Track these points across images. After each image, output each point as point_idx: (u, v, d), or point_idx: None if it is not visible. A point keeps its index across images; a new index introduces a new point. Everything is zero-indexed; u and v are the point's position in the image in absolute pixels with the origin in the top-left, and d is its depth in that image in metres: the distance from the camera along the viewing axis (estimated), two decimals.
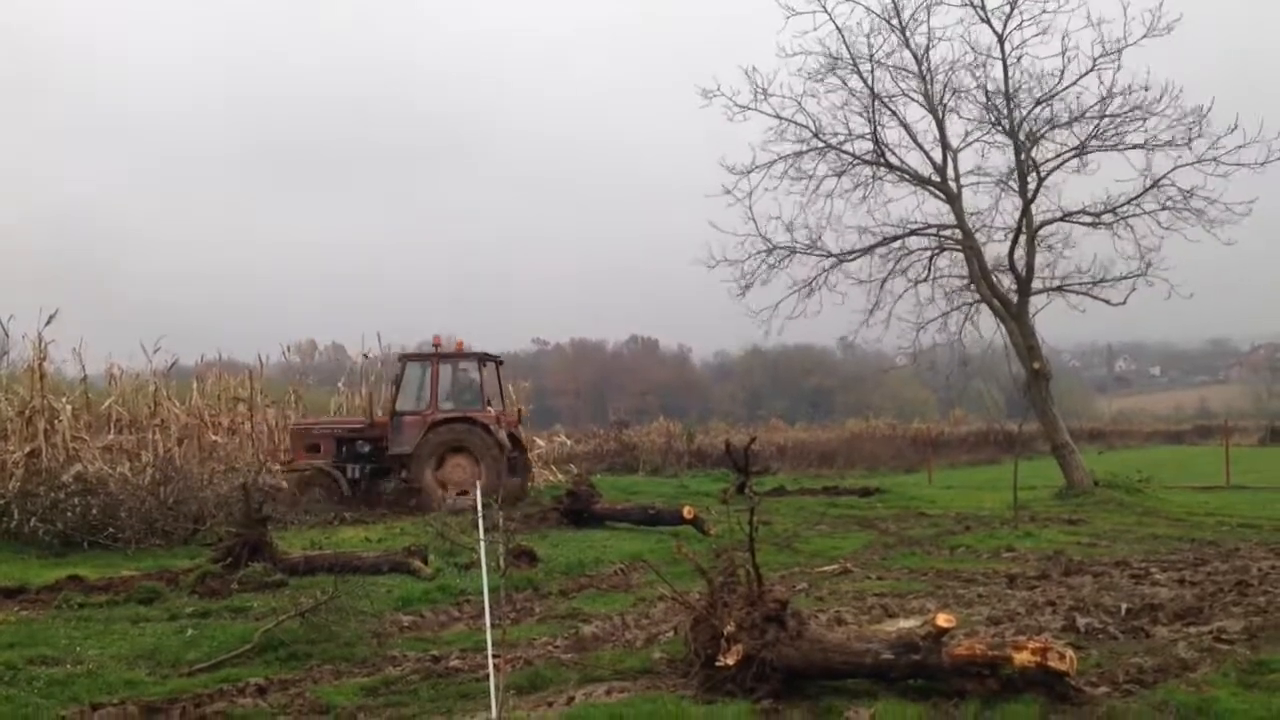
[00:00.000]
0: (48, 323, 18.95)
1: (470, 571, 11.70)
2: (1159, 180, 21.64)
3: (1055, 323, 25.68)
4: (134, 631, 9.28)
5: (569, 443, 35.80)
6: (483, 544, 7.23)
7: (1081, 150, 22.35)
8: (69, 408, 19.15)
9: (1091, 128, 21.96)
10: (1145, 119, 21.29)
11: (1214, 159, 20.82)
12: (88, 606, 10.40)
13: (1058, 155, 22.74)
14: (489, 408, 20.69)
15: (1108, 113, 21.64)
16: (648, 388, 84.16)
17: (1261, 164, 20.53)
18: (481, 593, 7.00)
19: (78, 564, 13.00)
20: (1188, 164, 21.17)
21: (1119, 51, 21.06)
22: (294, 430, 21.46)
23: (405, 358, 21.27)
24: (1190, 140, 20.82)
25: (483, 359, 21.33)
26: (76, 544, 14.27)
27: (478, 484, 8.33)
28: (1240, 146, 20.46)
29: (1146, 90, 21.13)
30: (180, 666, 8.09)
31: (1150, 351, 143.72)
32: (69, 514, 14.41)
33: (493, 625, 6.87)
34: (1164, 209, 21.87)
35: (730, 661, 6.96)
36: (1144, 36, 20.83)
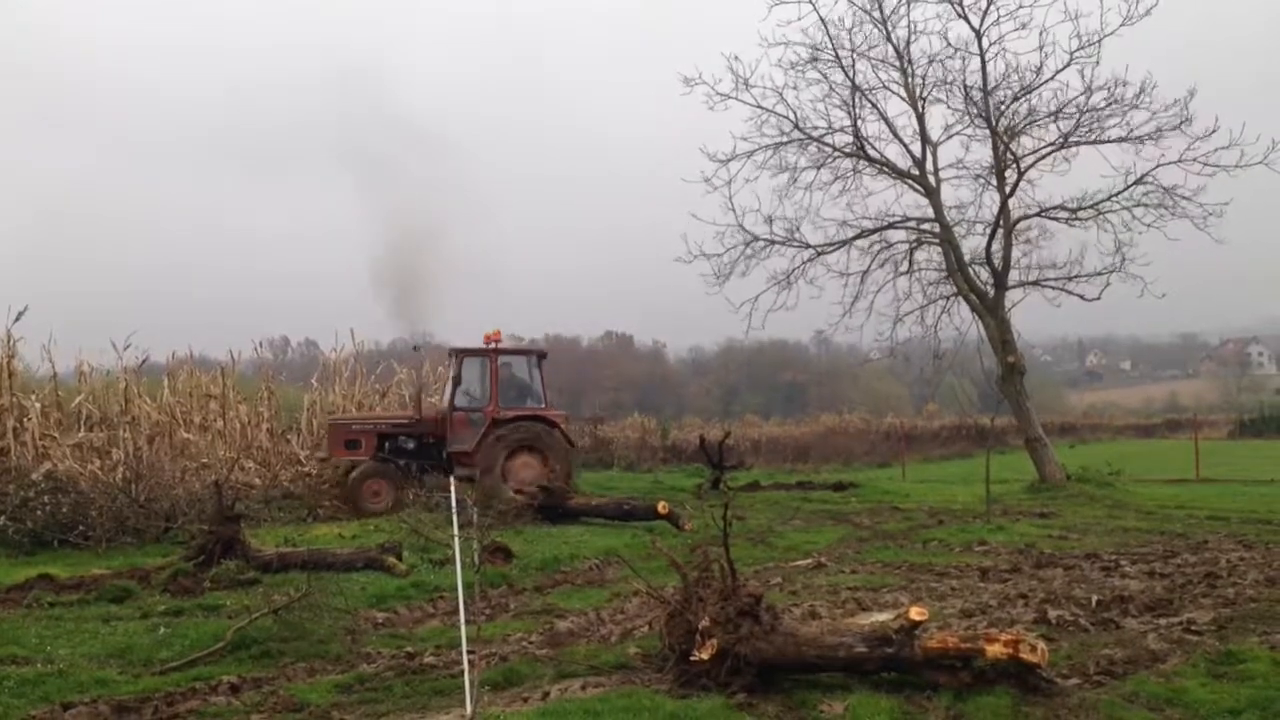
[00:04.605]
0: (16, 319, 18.78)
1: (444, 568, 11.68)
2: (1142, 177, 21.84)
3: (1027, 317, 25.89)
4: (105, 630, 9.20)
5: None
6: (457, 540, 7.21)
7: (1062, 145, 22.49)
8: (38, 405, 18.97)
9: (1072, 123, 22.10)
10: (1125, 113, 21.48)
11: (1195, 159, 21.02)
12: (58, 605, 10.31)
13: (1035, 150, 22.91)
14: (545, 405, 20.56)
15: (1087, 107, 21.79)
16: (622, 383, 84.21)
17: (1240, 167, 20.74)
18: (456, 589, 6.98)
19: (48, 563, 12.87)
20: (1170, 163, 21.39)
21: (1096, 44, 21.20)
22: (332, 425, 20.86)
23: (460, 352, 20.84)
24: (1179, 125, 20.96)
25: (538, 355, 21.26)
26: (47, 543, 14.13)
27: (452, 481, 8.30)
28: (1222, 148, 20.68)
29: (1125, 85, 21.31)
30: (152, 665, 8.03)
31: (1121, 346, 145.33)
32: (39, 512, 14.26)
33: (467, 621, 6.85)
34: (1140, 205, 22.08)
35: (705, 656, 6.97)
36: (1121, 25, 21.00)
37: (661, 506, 16.73)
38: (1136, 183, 21.91)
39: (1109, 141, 21.93)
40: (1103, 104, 21.58)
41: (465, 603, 6.96)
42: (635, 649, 8.24)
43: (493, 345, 20.21)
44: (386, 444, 19.93)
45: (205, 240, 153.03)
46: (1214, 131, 20.61)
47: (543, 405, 20.40)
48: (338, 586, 10.64)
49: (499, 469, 19.19)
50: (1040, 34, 21.64)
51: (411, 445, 20.09)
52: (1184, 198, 21.39)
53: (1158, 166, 21.63)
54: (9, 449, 18.08)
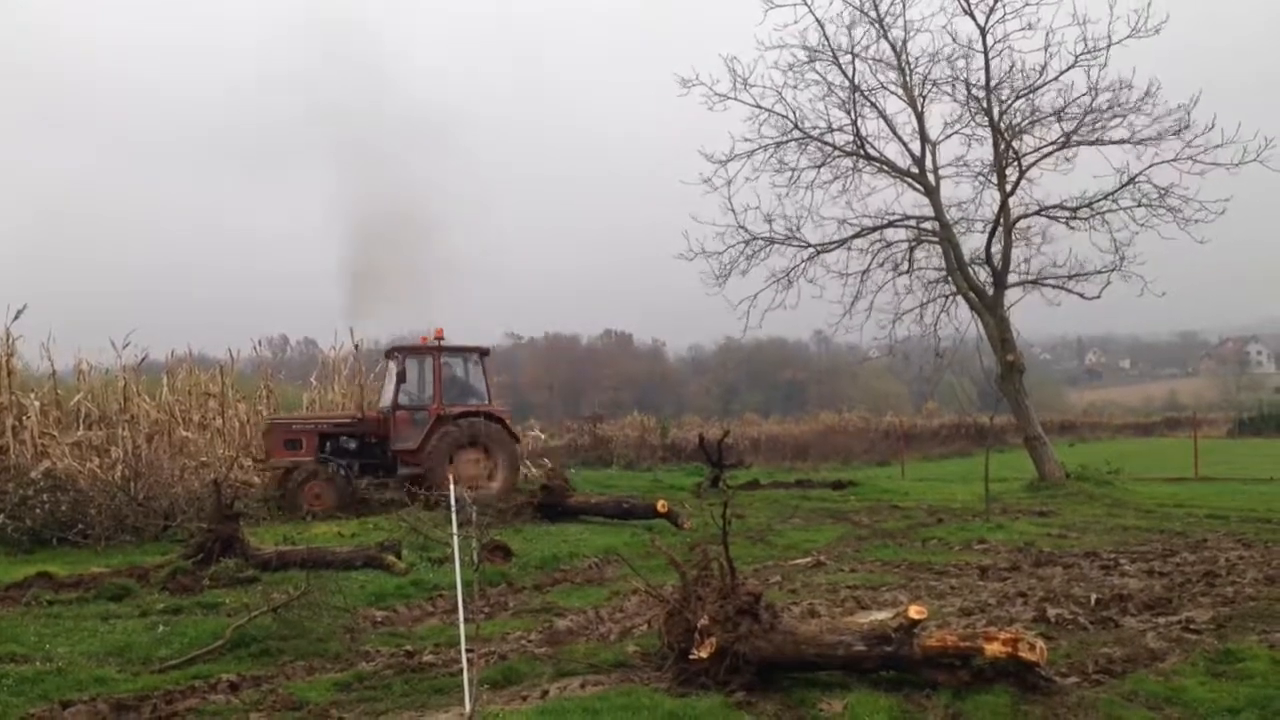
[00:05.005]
0: (15, 318, 18.79)
1: (444, 566, 11.69)
2: (1135, 177, 21.82)
3: (1027, 316, 25.85)
4: (104, 628, 9.20)
5: (543, 437, 35.69)
6: (456, 538, 7.21)
7: (1064, 144, 22.47)
8: (37, 404, 18.97)
9: (1074, 124, 22.08)
10: (1127, 115, 21.45)
11: (1190, 158, 21.02)
12: (57, 604, 10.31)
13: (1037, 149, 22.88)
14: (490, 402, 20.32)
15: (1091, 108, 21.77)
16: (622, 382, 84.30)
17: (1237, 164, 20.72)
18: (455, 587, 6.97)
19: (47, 561, 12.88)
20: (1165, 161, 21.37)
21: (1103, 50, 21.15)
22: (271, 425, 20.30)
23: (402, 351, 20.55)
24: (1179, 131, 20.93)
25: (480, 352, 21.03)
26: (46, 541, 14.13)
27: (451, 478, 8.30)
28: (1217, 146, 20.66)
29: (1130, 88, 21.28)
30: (151, 663, 8.03)
31: (1120, 345, 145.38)
32: (38, 510, 14.27)
33: (466, 620, 6.85)
34: (1139, 205, 22.08)
35: (704, 654, 6.97)
36: (1128, 36, 20.98)
37: (661, 505, 16.74)
38: (1130, 182, 21.91)
39: (1111, 143, 21.94)
40: (1106, 105, 21.58)
41: (464, 601, 6.96)
42: (634, 647, 8.25)
43: (434, 344, 20.04)
44: (328, 444, 19.56)
45: (205, 240, 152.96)
46: (1210, 129, 20.63)
47: (486, 402, 20.26)
48: (337, 585, 10.64)
49: (445, 465, 18.78)
50: (1047, 34, 21.65)
51: (354, 445, 19.76)
52: (1181, 197, 21.42)
53: (1151, 166, 21.64)
54: (8, 447, 18.08)
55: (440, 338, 20.18)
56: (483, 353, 21.09)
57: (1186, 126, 20.74)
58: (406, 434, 19.56)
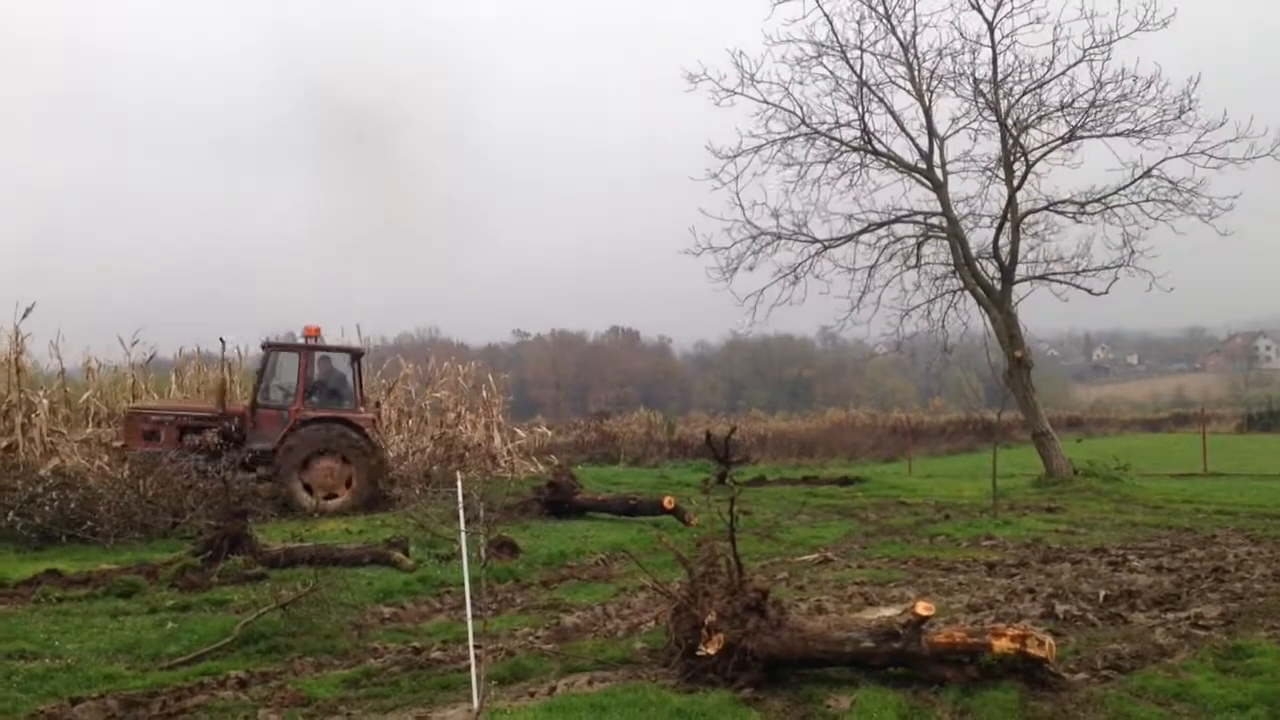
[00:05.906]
0: (24, 315, 18.84)
1: (451, 563, 11.70)
2: (1149, 170, 21.77)
3: (1034, 311, 25.83)
4: (113, 625, 9.21)
5: (549, 434, 35.73)
6: (463, 535, 7.21)
7: (1070, 137, 22.41)
8: (46, 401, 19.03)
9: (1079, 117, 22.03)
10: (1134, 108, 21.40)
11: (1203, 152, 20.96)
12: (66, 600, 10.33)
13: (1044, 144, 22.84)
14: (361, 407, 19.64)
15: (1097, 101, 21.71)
16: (628, 378, 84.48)
17: (1245, 159, 20.68)
18: (462, 584, 6.99)
19: (56, 558, 12.89)
20: (1177, 155, 21.32)
21: (1110, 44, 21.12)
22: (130, 414, 19.20)
23: (270, 347, 19.84)
24: (1181, 113, 20.89)
25: (353, 354, 20.22)
26: (54, 538, 14.14)
27: (459, 476, 8.30)
28: (1230, 141, 20.61)
29: (1135, 79, 21.22)
30: (160, 660, 8.03)
31: (1128, 340, 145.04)
32: (47, 508, 14.27)
33: (474, 616, 6.86)
34: (1149, 200, 22.02)
35: (711, 651, 6.97)
36: (1136, 30, 20.93)
37: (667, 501, 16.74)
38: (1144, 175, 21.87)
39: (1117, 135, 21.88)
40: (1113, 97, 21.51)
41: (472, 598, 6.96)
42: (641, 644, 8.25)
43: (307, 341, 19.29)
44: (186, 437, 18.68)
45: (209, 240, 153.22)
46: (1223, 124, 20.58)
47: (354, 407, 19.44)
48: (344, 582, 10.61)
49: (296, 471, 18.24)
50: (1054, 29, 21.61)
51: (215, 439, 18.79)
52: (1190, 191, 21.36)
53: (1164, 160, 21.60)
54: (17, 445, 18.13)
55: (313, 335, 19.35)
56: (356, 354, 20.28)
57: (1190, 109, 20.70)
58: (268, 433, 18.79)
